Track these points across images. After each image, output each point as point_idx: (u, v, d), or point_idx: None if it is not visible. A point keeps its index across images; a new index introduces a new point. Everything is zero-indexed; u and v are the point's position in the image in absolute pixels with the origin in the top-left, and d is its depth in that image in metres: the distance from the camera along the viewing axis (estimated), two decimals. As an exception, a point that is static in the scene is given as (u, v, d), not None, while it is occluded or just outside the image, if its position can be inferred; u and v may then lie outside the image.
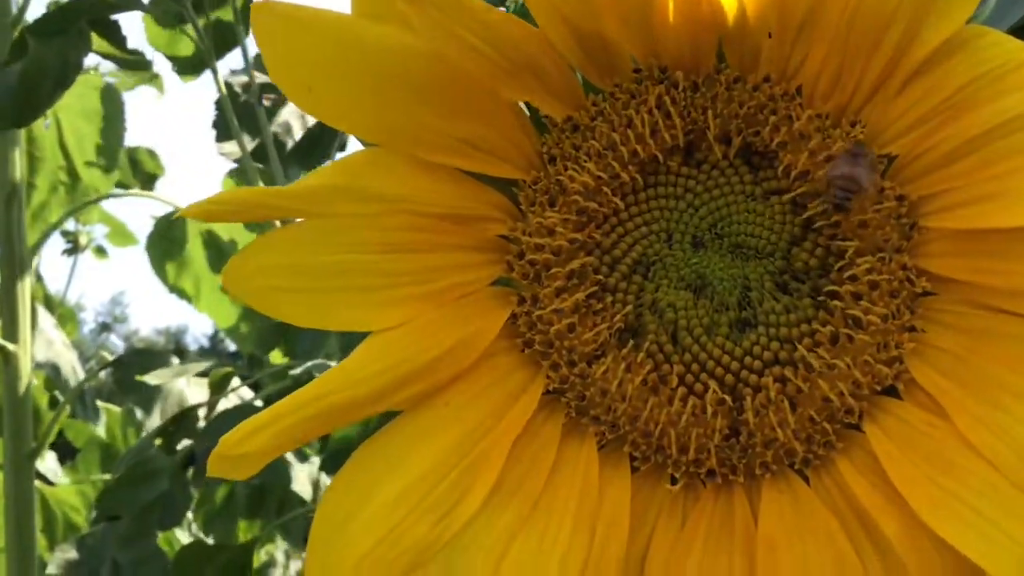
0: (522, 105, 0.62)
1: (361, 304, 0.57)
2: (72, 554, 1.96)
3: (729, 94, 0.61)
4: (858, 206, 0.58)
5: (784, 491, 0.56)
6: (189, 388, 2.39)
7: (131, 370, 2.37)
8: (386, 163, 0.58)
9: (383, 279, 0.58)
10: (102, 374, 2.77)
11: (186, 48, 2.33)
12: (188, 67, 2.39)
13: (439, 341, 0.57)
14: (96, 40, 1.88)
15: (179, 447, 2.12)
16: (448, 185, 0.59)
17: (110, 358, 2.77)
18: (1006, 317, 0.55)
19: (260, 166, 2.09)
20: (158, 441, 2.14)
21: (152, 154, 3.02)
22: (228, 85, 2.18)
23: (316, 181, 0.57)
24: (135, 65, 2.12)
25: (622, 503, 0.56)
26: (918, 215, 0.59)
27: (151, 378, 2.17)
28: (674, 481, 0.58)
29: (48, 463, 2.83)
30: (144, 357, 2.54)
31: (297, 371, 2.00)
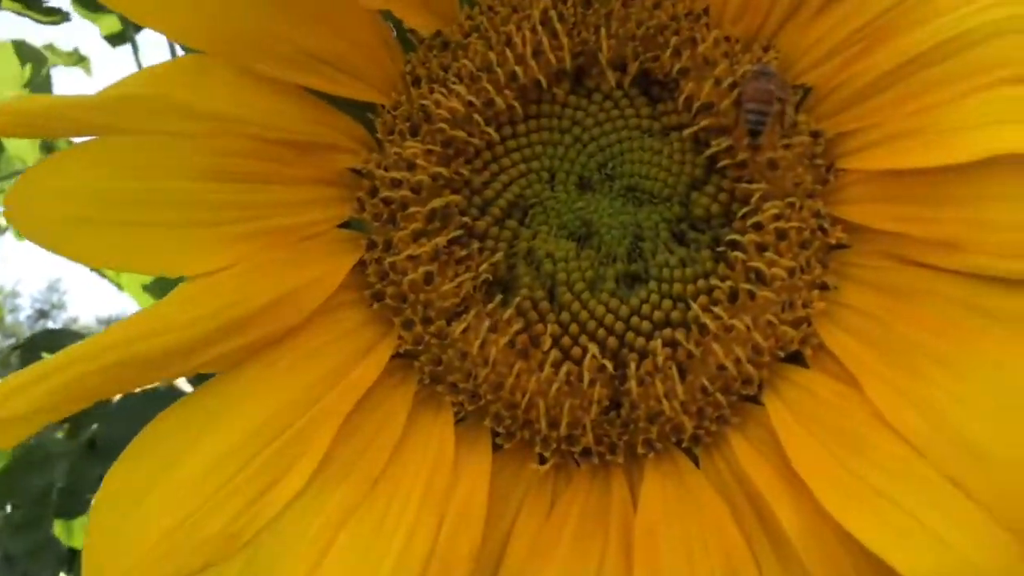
0: (383, 17, 0.53)
1: (179, 242, 0.47)
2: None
3: (626, 11, 0.53)
4: (769, 139, 0.50)
5: (669, 472, 0.48)
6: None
7: (38, 351, 2.24)
8: (216, 74, 0.48)
9: (208, 213, 0.48)
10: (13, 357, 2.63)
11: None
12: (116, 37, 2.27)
13: (271, 286, 0.48)
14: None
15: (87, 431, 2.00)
16: (291, 106, 0.50)
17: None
18: (930, 273, 0.47)
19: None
20: (65, 425, 2.02)
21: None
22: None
23: (126, 90, 0.47)
24: (48, 12, 1.98)
25: (479, 485, 0.47)
26: (835, 155, 0.51)
27: (55, 356, 2.04)
28: (543, 461, 0.49)
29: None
30: (53, 337, 2.40)
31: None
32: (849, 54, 0.50)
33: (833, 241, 0.50)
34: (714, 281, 0.50)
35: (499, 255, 0.51)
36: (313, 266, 0.49)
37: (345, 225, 0.52)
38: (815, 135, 0.51)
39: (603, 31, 0.52)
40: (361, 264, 0.51)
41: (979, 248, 0.45)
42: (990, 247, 0.45)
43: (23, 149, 2.55)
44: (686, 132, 0.52)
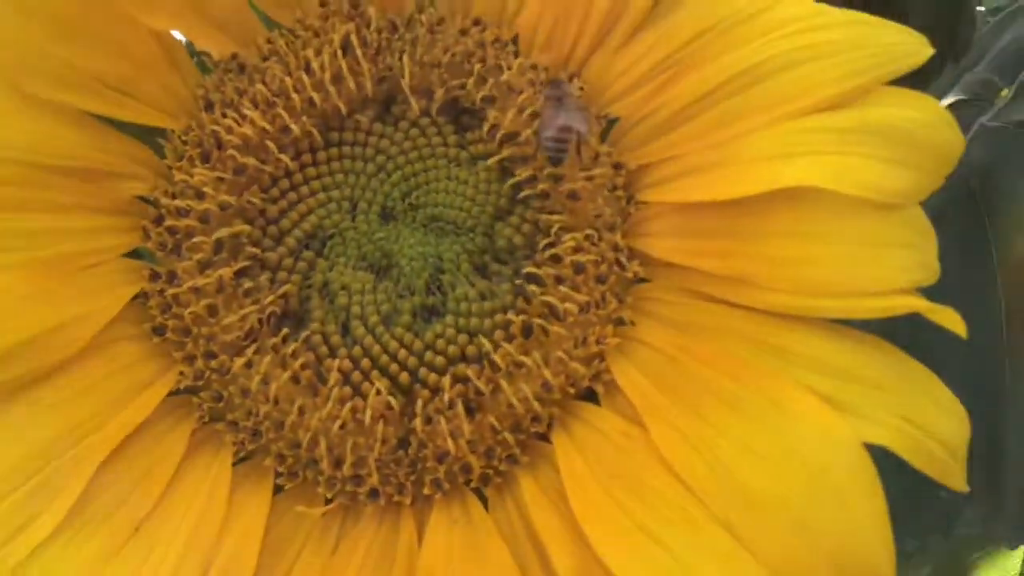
0: (179, 38, 0.51)
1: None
2: None
3: (432, 38, 0.51)
4: (570, 168, 0.49)
5: (457, 515, 0.46)
6: None
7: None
8: (-14, 98, 0.46)
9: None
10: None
11: None
12: None
13: (39, 318, 0.45)
14: None
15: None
16: (69, 130, 0.48)
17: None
18: (724, 309, 0.46)
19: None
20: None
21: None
22: None
23: None
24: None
25: (254, 529, 0.45)
26: (636, 187, 0.50)
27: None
28: (328, 501, 0.47)
29: None
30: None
31: None
32: (654, 85, 0.49)
33: (631, 275, 0.48)
34: (511, 316, 0.48)
35: (290, 287, 0.49)
36: (88, 297, 0.47)
37: (132, 255, 0.50)
38: (616, 167, 0.50)
39: (406, 57, 0.51)
40: (142, 296, 0.49)
41: (767, 284, 0.44)
42: (778, 283, 0.44)
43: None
44: (491, 161, 0.50)
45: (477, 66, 0.51)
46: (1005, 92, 0.87)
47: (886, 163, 0.43)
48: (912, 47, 0.45)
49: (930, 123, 0.43)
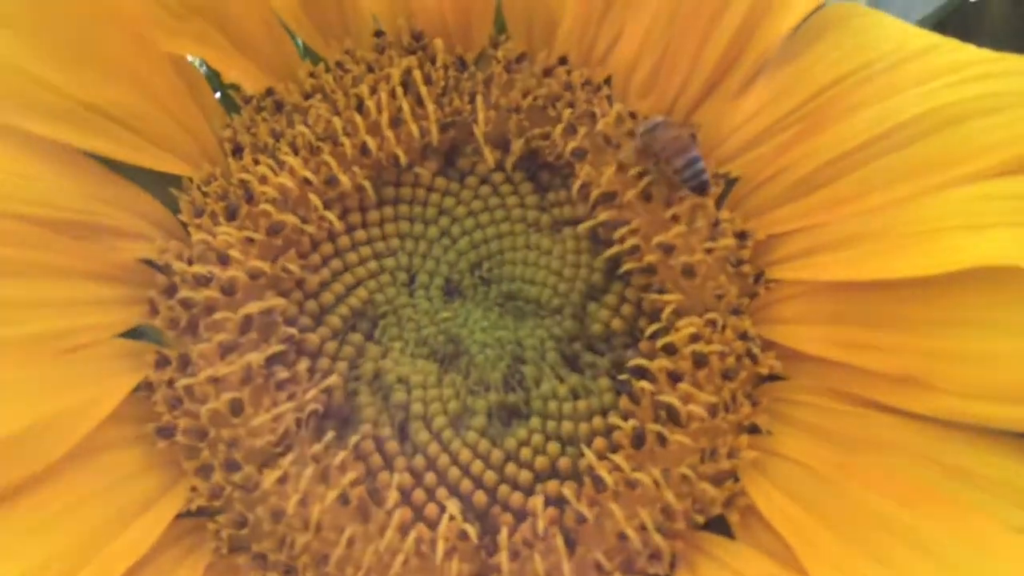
0: (198, 65, 0.41)
1: None
2: None
3: (510, 77, 0.43)
4: (683, 237, 0.40)
5: None
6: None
7: None
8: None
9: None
10: None
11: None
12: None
13: (13, 416, 0.35)
14: None
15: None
16: (65, 176, 0.38)
17: None
18: (881, 415, 0.37)
19: None
20: None
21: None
22: None
23: None
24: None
25: None
26: (766, 262, 0.41)
27: None
28: (381, 660, 0.36)
29: None
30: None
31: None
32: (781, 140, 0.41)
33: (765, 371, 0.39)
34: (614, 419, 0.38)
35: (334, 378, 0.39)
36: (78, 387, 0.37)
37: (134, 333, 0.39)
38: (741, 236, 0.41)
39: (480, 99, 0.42)
40: (147, 387, 0.38)
41: (944, 385, 0.35)
42: (959, 385, 0.35)
43: None
44: (582, 227, 0.41)
45: (565, 112, 0.42)
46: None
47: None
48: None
49: None
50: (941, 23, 0.61)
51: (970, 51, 0.39)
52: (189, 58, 0.41)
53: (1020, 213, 0.35)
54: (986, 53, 0.39)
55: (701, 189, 0.39)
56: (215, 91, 0.42)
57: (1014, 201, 0.36)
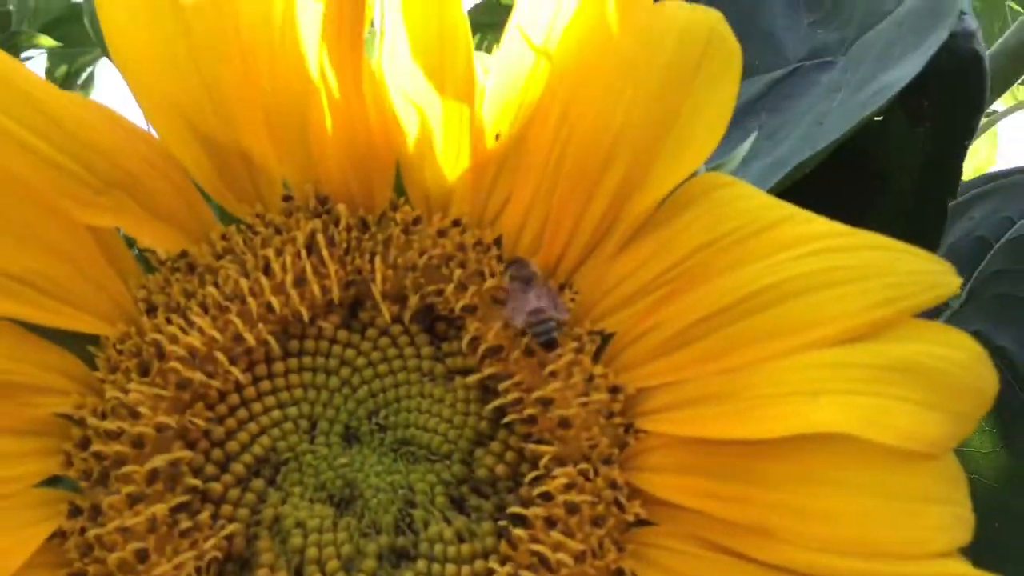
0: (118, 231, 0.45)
1: None
2: None
3: (407, 238, 0.46)
4: (561, 391, 0.43)
5: None
6: None
7: None
8: None
9: None
10: None
11: None
12: None
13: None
14: None
15: None
16: (-14, 338, 0.41)
17: None
18: (739, 563, 0.40)
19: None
20: None
21: None
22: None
23: None
24: None
25: None
26: (635, 414, 0.44)
27: None
28: None
29: None
30: None
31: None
32: (653, 299, 0.45)
33: (631, 518, 0.43)
34: (493, 564, 0.42)
35: (236, 525, 0.42)
36: (-4, 538, 0.39)
37: (54, 481, 0.42)
38: (614, 390, 0.44)
39: (379, 259, 0.45)
40: (60, 535, 0.41)
41: (789, 539, 0.39)
42: (801, 538, 0.39)
43: None
44: (471, 379, 0.45)
45: (457, 271, 0.46)
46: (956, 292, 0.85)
47: (922, 407, 0.38)
48: (939, 276, 0.41)
49: (966, 363, 0.39)
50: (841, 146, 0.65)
51: (820, 224, 0.43)
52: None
53: (851, 381, 0.39)
54: (835, 227, 0.43)
55: (548, 346, 0.43)
56: (132, 251, 0.45)
57: (846, 369, 0.40)
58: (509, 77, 0.45)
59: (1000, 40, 0.88)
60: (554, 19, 0.44)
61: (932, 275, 0.41)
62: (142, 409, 0.42)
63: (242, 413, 0.44)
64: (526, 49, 0.45)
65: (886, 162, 0.74)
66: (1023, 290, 0.82)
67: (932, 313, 0.81)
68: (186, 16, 0.43)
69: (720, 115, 0.44)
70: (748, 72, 0.51)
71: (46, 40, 2.33)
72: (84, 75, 2.65)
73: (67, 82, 2.65)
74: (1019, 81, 0.93)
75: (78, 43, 2.50)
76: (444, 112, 0.45)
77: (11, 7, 2.20)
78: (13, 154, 0.40)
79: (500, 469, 0.44)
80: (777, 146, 0.73)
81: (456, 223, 0.47)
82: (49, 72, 2.57)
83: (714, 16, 0.45)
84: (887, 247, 0.42)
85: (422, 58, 0.44)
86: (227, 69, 0.44)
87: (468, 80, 0.45)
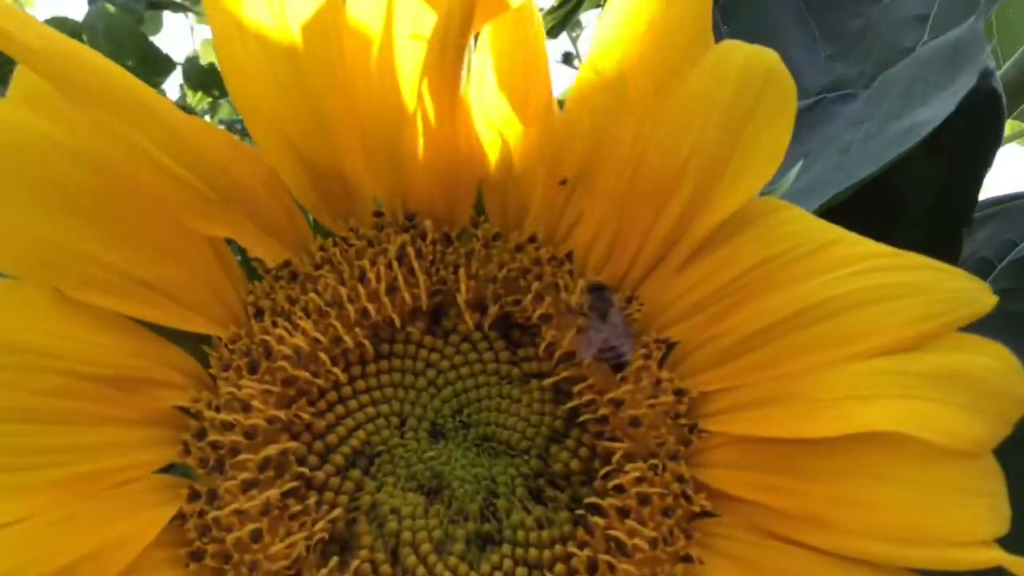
0: (227, 243, 0.49)
1: (-32, 489, 0.41)
2: None
3: (487, 252, 0.51)
4: (631, 393, 0.48)
5: None
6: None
7: None
8: (27, 302, 0.44)
9: (8, 457, 0.42)
10: None
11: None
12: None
13: (72, 545, 0.42)
14: None
15: None
16: (113, 337, 0.45)
17: None
18: (794, 549, 0.44)
19: None
20: None
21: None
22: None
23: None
24: None
25: None
26: (699, 415, 0.49)
27: None
28: None
29: None
30: None
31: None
32: (714, 311, 0.49)
33: (698, 509, 0.47)
34: (572, 548, 0.46)
35: (339, 510, 0.46)
36: (124, 519, 0.43)
37: (168, 468, 0.46)
38: (679, 393, 0.49)
39: (462, 271, 0.50)
40: (179, 517, 0.45)
41: (844, 527, 0.43)
42: (855, 527, 0.43)
43: None
44: (546, 382, 0.49)
45: (534, 284, 0.50)
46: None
47: (965, 410, 0.43)
48: (977, 294, 0.45)
49: (1004, 372, 0.44)
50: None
51: (869, 245, 0.48)
52: (219, 233, 0.48)
53: (901, 387, 0.44)
54: (883, 248, 0.48)
55: (619, 368, 0.47)
56: (242, 261, 0.49)
57: (897, 376, 0.44)
58: (583, 107, 0.50)
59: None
60: (625, 58, 0.49)
61: (971, 292, 0.45)
62: (254, 403, 0.46)
63: (340, 409, 0.48)
64: (600, 83, 0.49)
65: (903, 189, 0.79)
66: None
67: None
68: (296, 54, 0.47)
69: (778, 144, 0.48)
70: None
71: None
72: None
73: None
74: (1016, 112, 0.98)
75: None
76: (524, 138, 0.49)
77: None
78: (150, 171, 0.44)
79: (574, 464, 0.48)
80: (806, 172, 0.77)
81: (532, 239, 0.51)
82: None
83: (771, 55, 0.49)
84: (931, 267, 0.46)
85: (507, 89, 0.49)
86: (329, 99, 0.48)
87: (547, 109, 0.49)
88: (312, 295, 0.48)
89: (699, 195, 0.49)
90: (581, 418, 0.48)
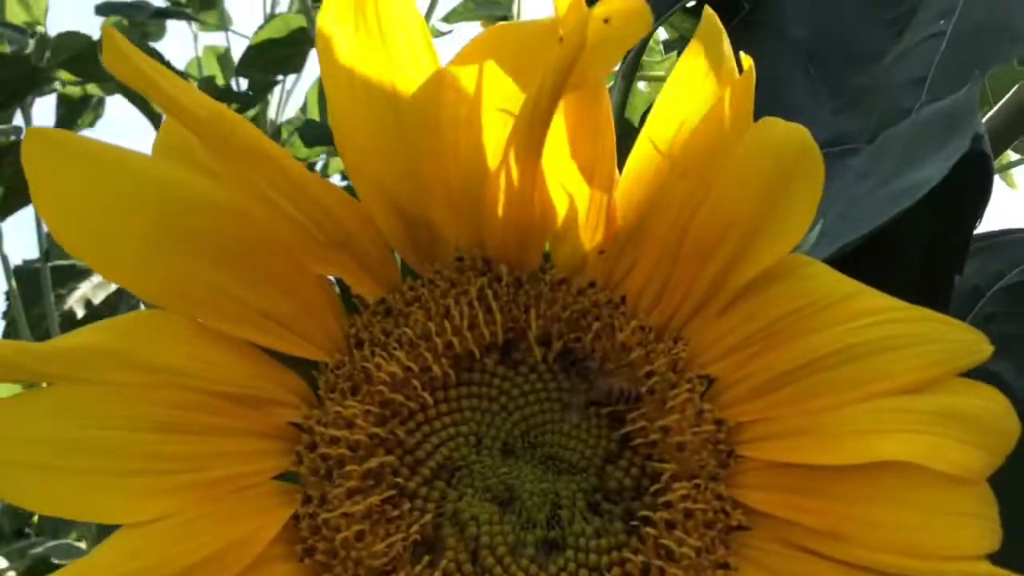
0: (332, 280, 0.56)
1: (119, 491, 0.48)
2: None
3: (553, 295, 0.58)
4: (678, 422, 0.55)
5: None
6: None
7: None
8: (169, 328, 0.51)
9: (150, 463, 0.50)
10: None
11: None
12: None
13: (206, 542, 0.49)
14: None
15: None
16: (239, 361, 0.52)
17: None
18: (818, 560, 0.52)
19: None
20: None
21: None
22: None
23: (80, 340, 0.49)
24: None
25: None
26: (735, 442, 0.57)
27: None
28: None
29: None
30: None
31: (38, 550, 1.77)
32: (750, 351, 0.57)
33: (734, 523, 0.55)
34: (627, 554, 0.54)
35: (428, 516, 0.53)
36: (248, 518, 0.51)
37: (281, 476, 0.54)
38: (718, 423, 0.56)
39: (532, 311, 0.57)
40: (294, 518, 0.53)
41: (861, 542, 0.51)
42: (871, 542, 0.51)
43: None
44: (603, 410, 0.57)
45: (594, 324, 0.58)
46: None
47: (967, 444, 0.51)
48: (976, 344, 0.54)
49: (999, 412, 0.52)
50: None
51: (883, 299, 0.56)
52: (324, 272, 0.56)
53: (913, 423, 0.52)
54: (895, 302, 0.55)
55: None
56: (343, 298, 0.57)
57: (909, 414, 0.52)
58: (639, 173, 0.58)
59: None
60: (678, 133, 0.57)
61: (972, 343, 0.53)
62: (357, 421, 0.53)
63: (426, 428, 0.56)
64: (656, 154, 0.57)
65: (900, 239, 0.87)
66: (1011, 329, 0.94)
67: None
68: (399, 115, 0.54)
69: (808, 210, 0.56)
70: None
71: (66, 75, 2.45)
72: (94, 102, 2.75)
73: (80, 106, 2.75)
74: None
75: (94, 77, 2.61)
76: (589, 199, 0.57)
77: (30, 47, 2.31)
78: (278, 219, 0.51)
79: (627, 481, 0.56)
80: (818, 222, 0.85)
81: (592, 284, 0.59)
82: (66, 98, 2.67)
83: (803, 131, 0.57)
84: (936, 319, 0.54)
85: (579, 158, 0.56)
86: (423, 157, 0.56)
87: (610, 175, 0.57)
88: (405, 329, 0.56)
89: (739, 252, 0.56)
90: (633, 443, 0.56)
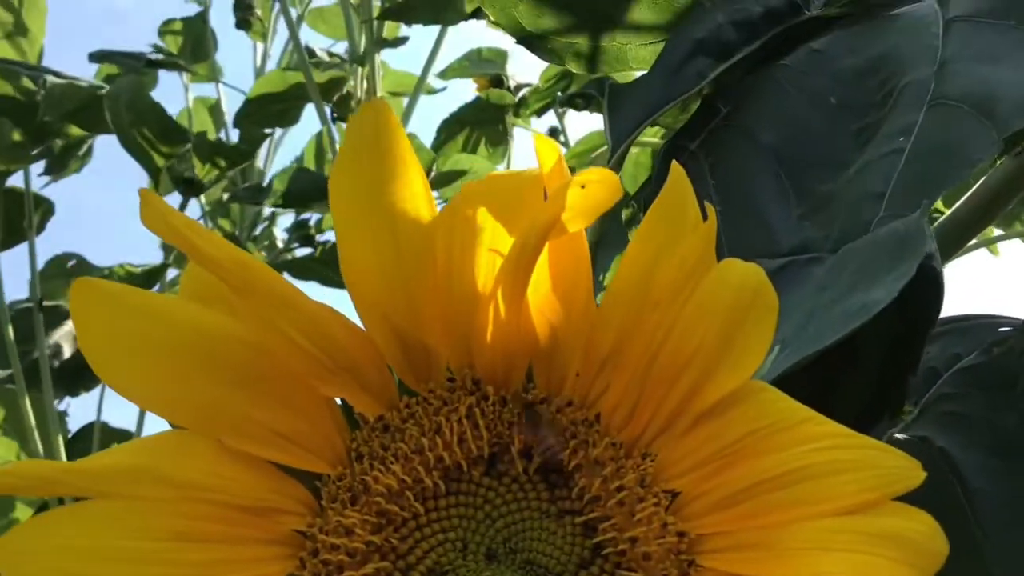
0: (336, 400, 0.63)
1: (140, 594, 0.54)
2: None
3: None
4: (644, 534, 0.62)
5: None
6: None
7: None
8: (192, 447, 0.57)
9: (169, 569, 0.55)
10: None
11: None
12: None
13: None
14: None
15: None
16: (252, 475, 0.58)
17: None
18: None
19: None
20: None
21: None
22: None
23: (116, 459, 0.55)
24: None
25: None
26: (696, 552, 0.63)
27: None
28: None
29: None
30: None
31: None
32: (711, 468, 0.63)
33: (693, 624, 0.61)
34: (598, 651, 0.59)
35: (417, 618, 0.59)
36: (257, 623, 0.56)
37: (283, 577, 0.60)
38: (681, 534, 0.63)
39: (515, 428, 0.64)
40: (300, 617, 0.58)
41: None
42: None
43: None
44: (578, 520, 0.63)
45: (571, 441, 0.64)
46: (909, 408, 1.05)
47: (899, 563, 0.57)
48: (910, 472, 0.60)
49: (929, 534, 0.58)
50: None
51: (831, 426, 0.62)
52: (329, 390, 0.62)
53: (851, 542, 0.57)
54: (842, 429, 0.61)
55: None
56: (346, 415, 0.63)
57: (848, 534, 0.58)
58: (616, 307, 0.65)
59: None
60: (649, 273, 0.64)
61: (907, 469, 0.60)
62: (356, 529, 0.59)
63: (416, 535, 0.61)
64: (631, 291, 0.64)
65: (858, 342, 0.93)
66: (962, 407, 1.01)
67: (891, 426, 1.01)
68: (400, 254, 0.61)
69: (764, 341, 0.63)
70: (748, 253, 0.70)
71: (74, 129, 2.52)
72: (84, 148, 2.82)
73: (71, 151, 2.81)
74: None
75: (97, 128, 2.69)
76: (568, 326, 0.64)
77: (39, 96, 2.39)
78: (292, 350, 0.58)
79: (598, 587, 0.62)
80: (778, 331, 0.92)
81: (569, 404, 0.65)
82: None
83: (759, 270, 0.64)
84: (877, 447, 0.61)
85: (558, 291, 0.63)
86: (421, 288, 0.62)
87: (588, 305, 0.64)
88: (401, 444, 0.62)
89: (703, 378, 0.63)
90: (605, 551, 0.62)
